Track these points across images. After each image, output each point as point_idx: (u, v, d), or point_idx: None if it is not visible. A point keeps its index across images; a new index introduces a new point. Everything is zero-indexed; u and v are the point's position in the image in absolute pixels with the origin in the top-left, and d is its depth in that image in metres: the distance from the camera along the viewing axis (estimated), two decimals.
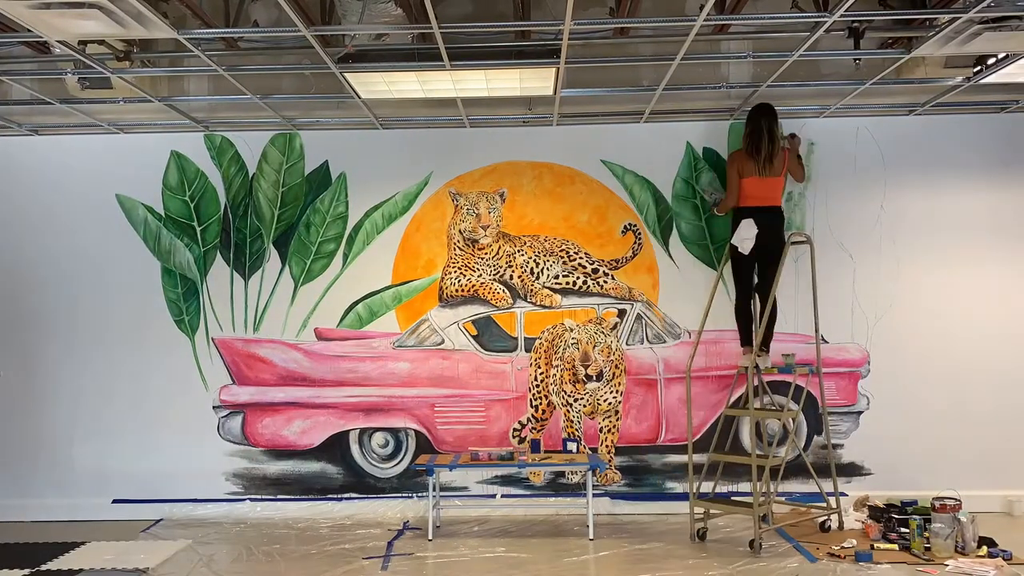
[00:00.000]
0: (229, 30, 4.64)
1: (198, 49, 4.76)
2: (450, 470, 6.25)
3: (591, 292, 6.64)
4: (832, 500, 6.10)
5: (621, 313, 6.62)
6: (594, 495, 6.53)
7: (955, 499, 5.36)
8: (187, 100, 5.97)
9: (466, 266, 6.67)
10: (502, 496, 6.57)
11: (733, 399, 6.40)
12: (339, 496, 6.62)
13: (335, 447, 6.65)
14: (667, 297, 6.62)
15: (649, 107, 6.17)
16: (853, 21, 4.68)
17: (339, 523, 6.37)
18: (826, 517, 5.97)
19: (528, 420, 6.61)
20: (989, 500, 6.31)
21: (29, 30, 4.34)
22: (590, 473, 5.96)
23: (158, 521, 6.50)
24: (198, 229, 6.73)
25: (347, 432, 6.65)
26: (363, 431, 6.67)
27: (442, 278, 6.68)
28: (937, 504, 5.34)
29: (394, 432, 6.66)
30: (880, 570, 5.08)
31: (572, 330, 6.59)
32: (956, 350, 6.51)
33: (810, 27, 4.67)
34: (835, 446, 6.54)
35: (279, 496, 6.63)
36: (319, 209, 6.71)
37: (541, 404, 6.60)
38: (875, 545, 5.48)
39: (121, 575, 5.19)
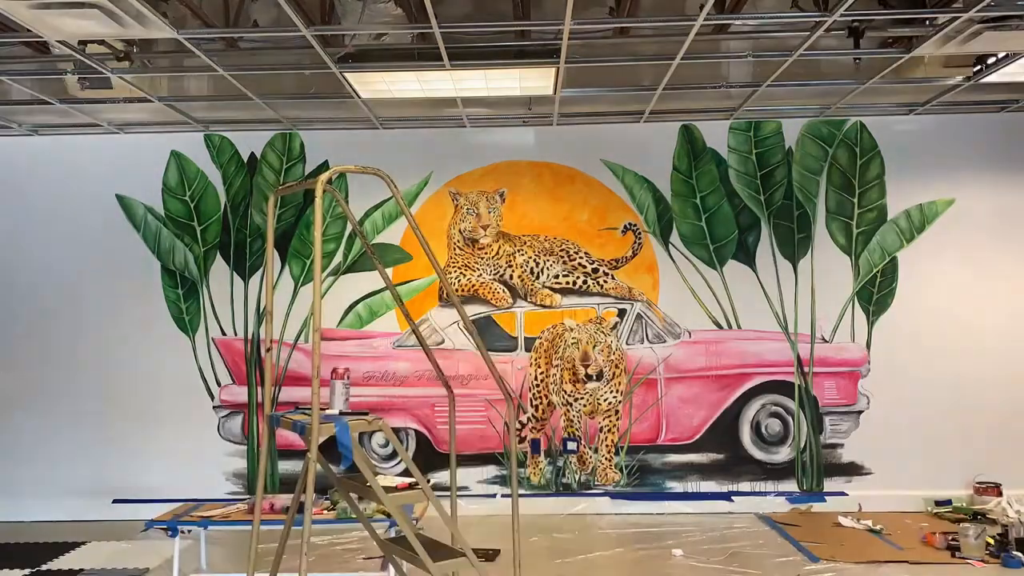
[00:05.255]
0: (229, 30, 4.64)
1: (198, 49, 4.76)
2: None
3: (591, 292, 6.64)
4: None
5: (621, 313, 6.62)
6: (594, 494, 6.56)
7: None
8: (187, 100, 5.97)
9: (466, 266, 6.67)
10: (502, 495, 6.56)
11: (733, 399, 6.43)
12: None
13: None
14: (667, 297, 6.62)
15: (649, 107, 6.16)
16: (853, 21, 4.67)
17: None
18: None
19: (528, 420, 6.61)
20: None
21: (29, 30, 4.34)
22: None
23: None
24: (198, 229, 6.73)
25: None
26: (363, 431, 6.65)
27: None
28: None
29: (394, 432, 6.65)
30: (883, 571, 5.09)
31: (572, 330, 6.59)
32: (956, 349, 6.51)
33: (810, 27, 4.67)
34: (835, 446, 6.54)
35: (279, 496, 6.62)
36: None
37: (541, 404, 6.60)
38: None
39: (121, 575, 5.19)
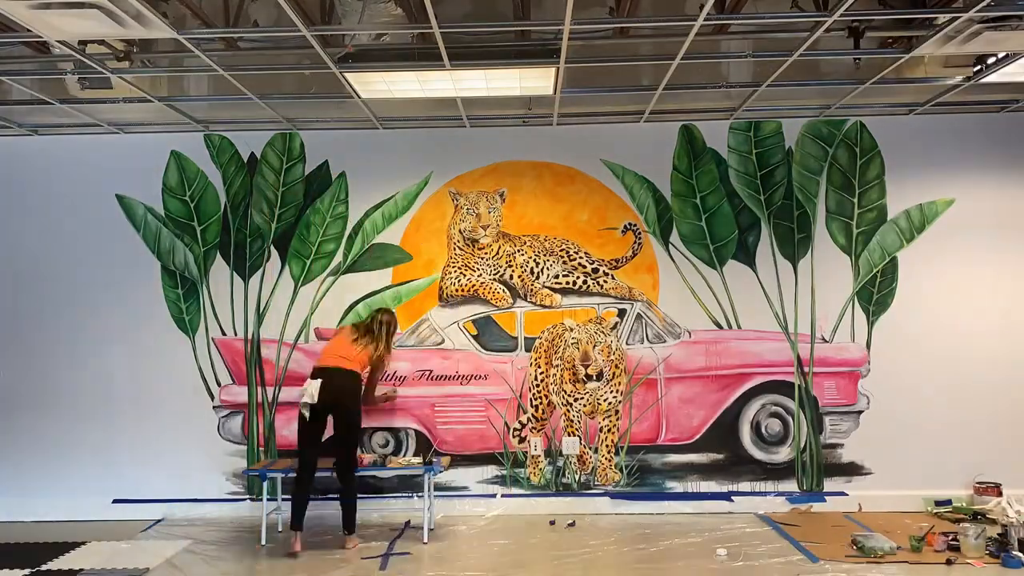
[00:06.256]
0: (229, 30, 4.64)
1: (198, 49, 4.76)
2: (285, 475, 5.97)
3: (591, 292, 6.64)
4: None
5: (621, 313, 6.62)
6: (594, 495, 6.56)
7: None
8: (187, 100, 5.97)
9: (466, 266, 6.67)
10: (502, 495, 6.56)
11: (733, 399, 6.45)
12: (339, 496, 6.60)
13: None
14: (667, 297, 6.62)
15: (649, 107, 6.17)
16: (853, 21, 4.68)
17: (339, 523, 6.36)
18: None
19: (528, 420, 6.61)
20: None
21: (29, 30, 4.34)
22: (428, 476, 5.97)
23: (158, 521, 6.49)
24: (198, 229, 6.73)
25: None
26: (363, 431, 6.66)
27: (442, 278, 6.68)
28: None
29: (394, 432, 6.66)
30: (883, 570, 5.09)
31: (572, 330, 6.59)
32: (956, 349, 6.51)
33: (810, 27, 4.67)
34: (835, 446, 6.54)
35: (280, 496, 6.62)
36: (319, 209, 6.71)
37: (541, 404, 6.60)
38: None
39: (121, 575, 5.19)
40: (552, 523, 6.19)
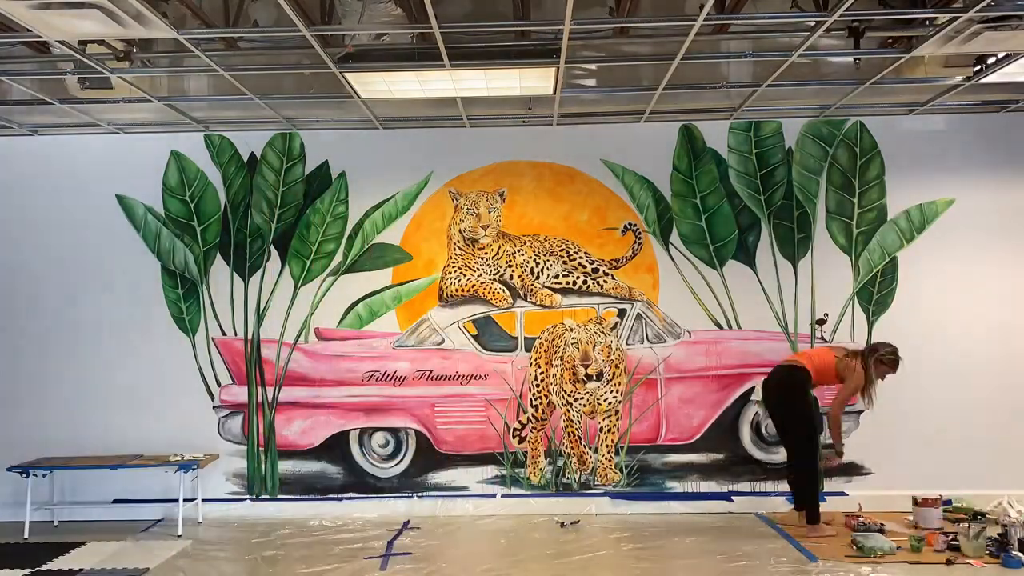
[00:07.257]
0: (229, 30, 4.64)
1: (198, 49, 4.76)
2: None
3: (591, 292, 6.65)
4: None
5: (621, 313, 6.62)
6: (594, 495, 6.56)
7: None
8: (187, 100, 5.97)
9: (466, 266, 6.67)
10: (502, 495, 6.57)
11: (733, 399, 6.44)
12: (339, 496, 6.62)
13: (335, 447, 6.64)
14: (667, 297, 6.62)
15: (649, 107, 6.16)
16: (853, 21, 4.67)
17: (339, 523, 6.36)
18: None
19: (528, 420, 6.61)
20: (988, 500, 6.28)
21: (29, 30, 4.34)
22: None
23: (158, 521, 6.50)
24: (198, 229, 6.74)
25: (347, 432, 6.65)
26: (363, 431, 6.67)
27: (442, 278, 6.68)
28: None
29: (394, 432, 6.66)
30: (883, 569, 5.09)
31: (572, 330, 6.59)
32: (956, 349, 6.50)
33: (810, 27, 4.67)
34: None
35: (279, 496, 6.63)
36: (319, 209, 6.71)
37: (541, 404, 6.60)
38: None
39: (121, 575, 5.19)
40: (562, 525, 6.13)
